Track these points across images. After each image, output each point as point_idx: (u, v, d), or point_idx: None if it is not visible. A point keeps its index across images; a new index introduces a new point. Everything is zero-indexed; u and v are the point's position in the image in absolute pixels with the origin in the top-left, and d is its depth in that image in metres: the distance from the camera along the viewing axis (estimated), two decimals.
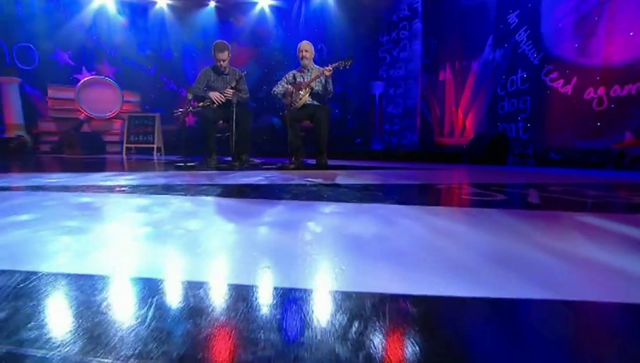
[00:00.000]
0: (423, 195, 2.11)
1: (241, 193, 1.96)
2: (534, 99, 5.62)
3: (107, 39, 8.90)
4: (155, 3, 8.90)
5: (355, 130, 8.01)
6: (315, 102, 4.14)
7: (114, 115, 7.23)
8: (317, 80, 4.06)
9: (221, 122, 4.27)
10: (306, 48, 4.12)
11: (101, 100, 7.14)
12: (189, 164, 3.47)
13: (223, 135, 4.28)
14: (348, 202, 1.66)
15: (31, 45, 8.41)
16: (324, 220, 1.27)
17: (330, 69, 3.81)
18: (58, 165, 4.24)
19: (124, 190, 1.97)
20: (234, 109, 3.74)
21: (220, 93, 4.08)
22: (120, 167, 3.97)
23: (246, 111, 4.12)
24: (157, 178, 2.62)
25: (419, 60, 7.53)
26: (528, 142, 5.65)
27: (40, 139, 7.41)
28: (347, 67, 3.81)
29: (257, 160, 4.66)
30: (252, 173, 3.17)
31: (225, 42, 4.14)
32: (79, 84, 7.13)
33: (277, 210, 1.43)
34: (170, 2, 8.89)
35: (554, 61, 5.39)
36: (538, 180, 2.89)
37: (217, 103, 4.04)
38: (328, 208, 1.51)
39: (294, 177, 2.75)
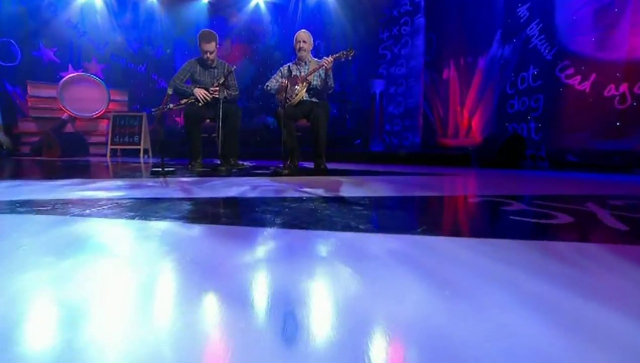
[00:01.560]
0: (462, 217, 1.57)
1: (212, 216, 1.40)
2: (548, 97, 5.10)
3: (95, 35, 8.31)
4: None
5: (354, 130, 7.47)
6: (314, 99, 3.60)
7: (99, 114, 6.65)
8: (315, 73, 3.52)
9: (208, 121, 3.72)
10: (304, 38, 3.58)
11: (85, 98, 6.56)
12: (167, 170, 2.91)
13: (210, 135, 3.73)
14: (364, 229, 1.12)
15: (12, 41, 7.81)
16: (331, 280, 0.73)
17: (331, 60, 3.26)
18: (19, 169, 3.66)
19: (50, 208, 1.42)
20: (221, 107, 3.19)
21: (207, 90, 3.53)
22: (87, 173, 3.40)
23: (235, 109, 3.56)
24: (118, 189, 2.06)
25: (421, 57, 7.01)
26: (541, 143, 5.13)
27: (20, 140, 6.81)
28: (350, 58, 3.27)
29: (248, 164, 4.10)
30: (239, 180, 2.61)
31: (212, 31, 3.58)
32: (61, 81, 6.54)
33: (251, 257, 0.88)
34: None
35: (570, 56, 4.87)
36: (585, 190, 2.36)
37: (202, 101, 3.49)
38: (335, 243, 0.97)
39: (288, 187, 2.20)
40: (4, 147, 5.89)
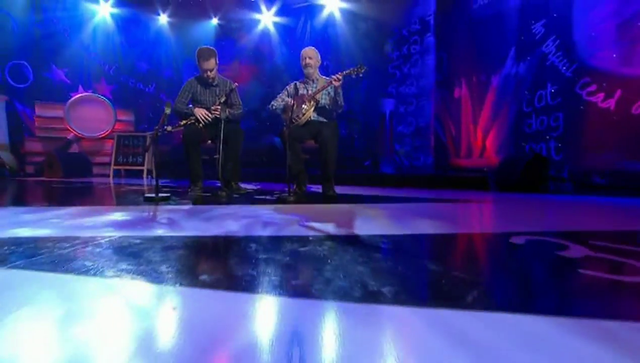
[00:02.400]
0: (516, 274, 1.22)
1: (184, 270, 1.08)
2: (568, 115, 4.76)
3: (105, 56, 8.25)
4: (156, 20, 8.27)
5: (363, 151, 7.16)
6: (322, 118, 3.31)
7: (105, 134, 6.46)
8: (324, 91, 3.24)
9: (209, 142, 3.44)
10: (309, 54, 3.32)
11: (91, 118, 6.39)
12: (162, 195, 2.61)
13: (211, 157, 3.44)
14: (390, 298, 0.78)
15: (25, 63, 7.78)
16: None
17: (340, 77, 2.98)
18: (6, 192, 3.40)
19: None
20: (222, 127, 2.91)
21: (208, 110, 3.27)
22: (75, 198, 3.12)
23: (236, 130, 3.28)
24: (94, 221, 1.76)
25: (431, 76, 6.74)
26: (563, 164, 4.75)
27: (26, 159, 6.64)
28: (360, 74, 2.99)
29: (252, 187, 3.80)
30: (238, 209, 2.30)
31: (210, 47, 3.35)
32: (68, 101, 6.39)
33: None
34: (170, 19, 8.25)
35: (591, 73, 4.54)
36: None
37: (202, 122, 3.22)
38: (352, 328, 0.64)
39: (292, 219, 1.87)
40: (7, 167, 5.69)
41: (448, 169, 6.62)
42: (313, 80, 3.37)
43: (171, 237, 1.43)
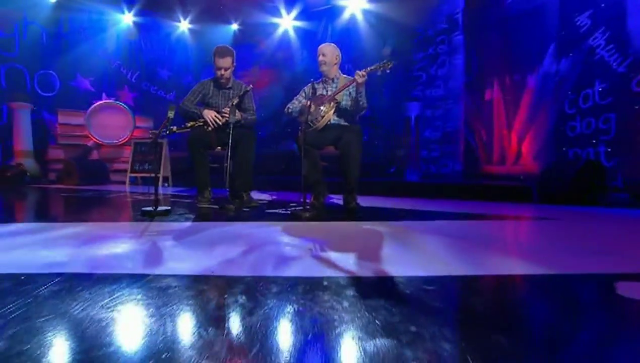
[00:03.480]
0: None
1: (127, 347, 0.67)
2: (621, 117, 4.13)
3: (127, 64, 8.18)
4: (177, 27, 8.12)
5: (386, 157, 6.68)
6: (342, 121, 2.88)
7: (124, 141, 6.28)
8: (345, 91, 2.83)
9: (219, 148, 3.08)
10: (323, 51, 2.90)
11: (111, 125, 6.22)
12: (161, 209, 2.25)
13: (221, 165, 3.09)
14: None
15: (52, 72, 7.78)
16: None
17: (364, 74, 2.55)
18: (10, 200, 3.14)
19: None
20: (231, 132, 2.54)
21: (219, 113, 2.91)
22: (76, 209, 2.82)
23: (249, 136, 2.90)
24: (65, 244, 1.40)
25: (460, 77, 6.20)
26: (615, 172, 4.12)
27: (49, 166, 6.55)
28: (388, 70, 2.55)
29: (266, 198, 3.42)
30: (243, 228, 1.90)
31: (228, 46, 3.00)
32: (89, 109, 6.25)
33: None
34: (191, 25, 8.07)
35: None
36: None
37: (212, 125, 2.87)
38: None
39: (304, 245, 1.45)
40: (28, 174, 5.56)
41: (479, 176, 6.04)
42: (333, 80, 2.95)
43: (142, 275, 1.04)
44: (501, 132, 5.85)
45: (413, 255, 1.33)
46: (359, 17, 7.29)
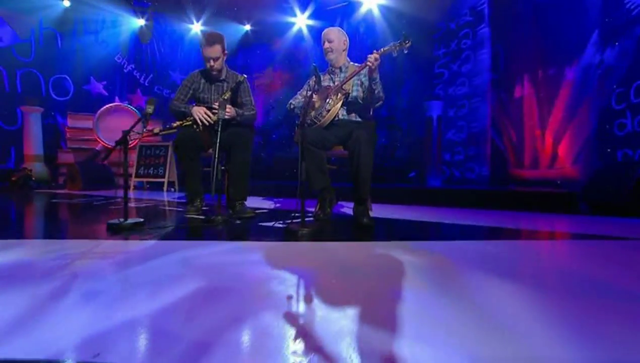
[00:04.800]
0: None
1: None
2: None
3: (141, 67, 7.97)
4: (189, 29, 7.85)
5: (407, 161, 6.13)
6: (354, 116, 2.39)
7: (132, 145, 5.99)
8: (355, 80, 2.34)
9: (211, 150, 2.65)
10: (329, 36, 2.43)
11: (119, 128, 5.92)
12: (130, 222, 1.83)
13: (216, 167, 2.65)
14: None
15: (67, 77, 7.65)
16: None
17: (377, 56, 2.06)
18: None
19: None
20: (219, 131, 2.09)
21: (210, 109, 2.48)
22: (47, 217, 2.44)
23: (244, 135, 2.44)
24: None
25: (486, 73, 5.60)
26: None
27: (59, 170, 6.35)
28: (405, 50, 2.05)
29: (269, 205, 2.96)
30: (223, 249, 1.44)
31: (216, 32, 2.57)
32: (98, 112, 6.01)
33: None
34: (204, 28, 7.78)
35: None
36: None
37: (202, 124, 2.44)
38: None
39: (293, 281, 0.97)
40: (33, 179, 5.33)
41: (508, 181, 5.40)
42: (341, 68, 2.47)
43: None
44: (533, 132, 5.20)
45: (453, 303, 0.83)
46: (376, 13, 6.78)
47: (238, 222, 2.16)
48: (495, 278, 1.06)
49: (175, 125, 2.47)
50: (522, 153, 5.35)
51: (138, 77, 7.93)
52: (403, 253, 1.37)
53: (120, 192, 4.88)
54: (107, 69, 7.83)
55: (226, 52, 2.61)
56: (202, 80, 2.66)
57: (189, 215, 2.39)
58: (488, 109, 5.52)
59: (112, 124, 5.95)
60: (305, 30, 7.57)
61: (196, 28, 7.80)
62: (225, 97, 2.45)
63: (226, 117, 2.31)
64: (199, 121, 2.42)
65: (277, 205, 3.22)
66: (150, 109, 2.10)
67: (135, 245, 1.49)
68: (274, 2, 7.18)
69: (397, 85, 6.74)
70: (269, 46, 7.86)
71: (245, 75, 2.55)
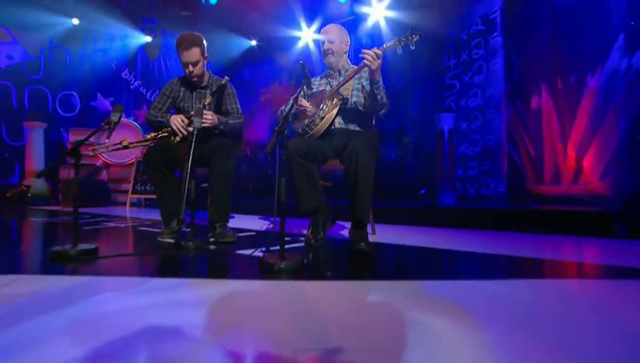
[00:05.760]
0: None
1: None
2: None
3: (147, 84, 7.87)
4: None
5: (417, 177, 5.73)
6: (352, 126, 2.05)
7: (133, 160, 5.77)
8: (354, 84, 2.01)
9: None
10: (330, 35, 2.11)
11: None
12: (78, 250, 1.50)
13: (199, 184, 2.33)
14: None
15: (74, 93, 7.58)
16: None
17: (379, 52, 1.73)
18: None
19: None
20: (193, 141, 1.77)
21: (189, 117, 2.17)
22: (15, 248, 2.14)
23: (226, 147, 2.11)
24: None
25: (500, 84, 5.21)
26: None
27: (59, 186, 6.16)
28: (412, 44, 1.71)
29: (262, 225, 2.61)
30: (177, 294, 1.09)
31: (194, 33, 2.28)
32: (152, 135, 5.83)
33: None
34: (209, 43, 7.63)
35: None
36: None
37: (180, 135, 2.13)
38: None
39: None
40: (29, 194, 5.12)
41: (527, 198, 4.94)
42: (340, 72, 2.15)
43: None
44: (553, 145, 4.76)
45: None
46: (383, 25, 6.52)
47: (213, 247, 1.80)
48: (527, 341, 0.68)
49: (150, 136, 2.17)
50: (542, 168, 4.90)
51: (145, 93, 7.82)
52: (404, 303, 0.99)
53: (117, 209, 4.62)
54: (114, 85, 7.75)
55: (207, 55, 2.32)
56: (182, 88, 2.36)
57: (162, 239, 2.05)
58: (503, 121, 5.11)
59: (113, 140, 5.74)
60: (311, 45, 7.36)
61: None
62: (206, 103, 2.14)
63: (205, 125, 2.00)
64: (177, 131, 2.11)
65: (270, 226, 2.86)
66: (115, 117, 1.80)
67: (54, 283, 1.15)
68: (280, 17, 7.02)
69: (407, 97, 6.41)
70: (276, 61, 7.67)
71: (228, 78, 2.25)
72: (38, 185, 5.83)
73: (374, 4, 6.35)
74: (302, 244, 1.86)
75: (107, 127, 1.81)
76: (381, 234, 2.29)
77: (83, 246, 1.57)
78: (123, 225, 2.84)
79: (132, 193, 4.82)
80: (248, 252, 1.66)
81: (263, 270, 1.30)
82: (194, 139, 1.79)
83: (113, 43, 7.73)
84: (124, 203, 5.37)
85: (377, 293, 1.10)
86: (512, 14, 5.18)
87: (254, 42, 7.66)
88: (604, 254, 1.87)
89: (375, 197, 4.84)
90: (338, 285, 1.19)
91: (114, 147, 2.19)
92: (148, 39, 7.58)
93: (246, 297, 1.04)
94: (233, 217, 3.67)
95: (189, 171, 1.72)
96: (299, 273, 1.27)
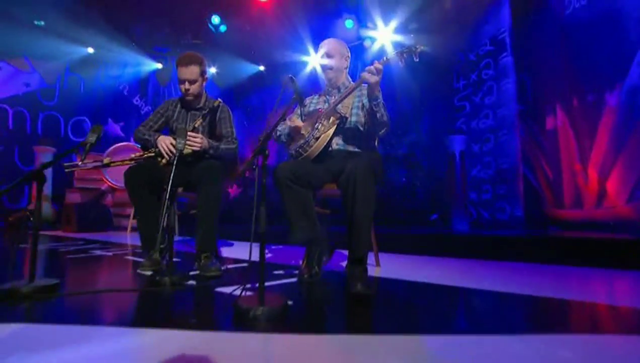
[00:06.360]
0: None
1: None
2: None
3: (156, 107, 7.93)
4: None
5: (428, 202, 5.46)
6: (351, 147, 1.85)
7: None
8: (354, 102, 1.83)
9: (181, 189, 2.16)
10: (329, 50, 1.98)
11: (125, 168, 5.68)
12: (34, 286, 1.30)
13: (185, 212, 2.15)
14: None
15: (86, 119, 7.68)
16: None
17: (380, 66, 1.55)
18: None
19: None
20: (174, 164, 1.60)
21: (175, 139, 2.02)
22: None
23: (214, 170, 1.92)
24: None
25: (513, 104, 5.00)
26: None
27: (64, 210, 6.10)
28: (415, 56, 1.53)
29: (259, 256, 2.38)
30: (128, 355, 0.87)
31: (197, 53, 2.16)
32: (106, 151, 5.80)
33: None
34: (219, 70, 7.72)
35: None
36: None
37: (166, 157, 1.96)
38: None
39: None
40: (30, 219, 5.02)
41: (546, 223, 4.60)
42: (339, 89, 1.98)
43: None
44: (572, 166, 4.46)
45: None
46: (389, 50, 6.45)
47: (192, 283, 1.58)
48: None
49: (134, 156, 2.01)
50: (561, 190, 4.58)
51: None
52: None
53: (118, 235, 4.46)
54: (125, 111, 7.84)
55: (206, 76, 2.19)
56: (178, 108, 2.23)
57: (142, 271, 1.85)
58: (517, 143, 4.85)
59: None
60: (319, 69, 7.32)
61: (212, 70, 7.75)
62: (196, 125, 1.99)
63: (192, 149, 1.84)
64: (163, 153, 1.95)
65: (269, 255, 2.63)
66: (92, 138, 1.64)
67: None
68: (287, 42, 7.05)
69: (416, 120, 6.24)
70: (282, 87, 7.65)
71: (221, 100, 2.10)
72: (44, 209, 5.77)
73: (381, 28, 6.31)
74: (294, 279, 1.63)
75: (82, 148, 1.65)
76: (386, 266, 2.03)
77: (42, 282, 1.37)
78: (110, 253, 2.66)
79: (134, 218, 4.68)
80: (230, 289, 1.43)
81: (236, 317, 1.07)
82: (174, 162, 1.61)
83: (125, 70, 7.88)
84: (125, 229, 5.24)
85: (372, 355, 0.86)
86: (521, 33, 5.03)
87: (262, 68, 7.69)
88: None
89: (382, 224, 4.53)
90: (323, 342, 0.95)
91: (92, 165, 2.03)
92: (159, 66, 7.70)
93: (202, 359, 0.81)
94: (232, 245, 3.46)
95: (167, 196, 1.53)
96: (278, 322, 1.04)
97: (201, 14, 6.88)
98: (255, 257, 1.11)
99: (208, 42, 7.24)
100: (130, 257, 2.44)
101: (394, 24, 6.17)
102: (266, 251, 2.80)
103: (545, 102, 4.78)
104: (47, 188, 6.05)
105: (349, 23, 6.76)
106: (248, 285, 1.37)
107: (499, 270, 2.08)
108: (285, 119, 1.58)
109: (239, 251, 2.75)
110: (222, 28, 7.05)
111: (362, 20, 6.62)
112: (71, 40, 7.08)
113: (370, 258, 2.00)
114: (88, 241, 3.47)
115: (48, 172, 6.07)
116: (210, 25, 7.03)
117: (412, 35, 6.10)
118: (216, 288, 1.47)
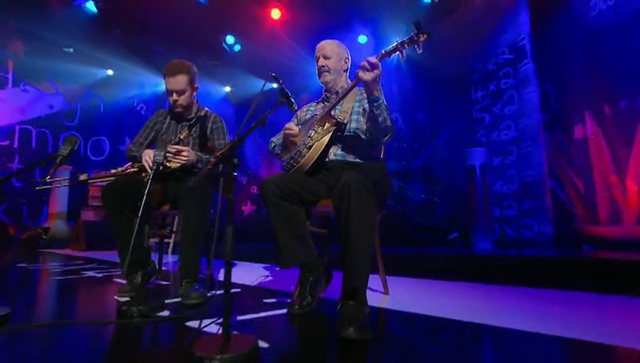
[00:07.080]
0: None
1: None
2: None
3: None
4: (220, 91, 7.86)
5: (447, 219, 5.11)
6: (351, 157, 1.61)
7: None
8: (355, 105, 1.61)
9: (167, 207, 1.98)
10: (325, 51, 1.76)
11: None
12: None
13: (168, 231, 1.96)
14: None
15: (104, 138, 7.82)
16: None
17: (374, 60, 1.32)
18: None
19: None
20: (150, 181, 1.41)
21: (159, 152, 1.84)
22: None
23: (199, 190, 1.72)
24: None
25: (536, 114, 4.67)
26: None
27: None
28: (419, 47, 1.30)
29: (254, 279, 2.15)
30: None
31: (185, 62, 2.01)
32: (119, 169, 5.79)
33: None
34: (232, 89, 7.74)
35: None
36: None
37: (148, 171, 1.79)
38: None
39: None
40: (44, 237, 5.01)
41: (580, 241, 4.16)
42: (338, 93, 1.77)
43: None
44: (607, 178, 4.05)
45: None
46: (403, 64, 6.26)
47: (165, 314, 1.36)
48: None
49: (115, 171, 1.85)
50: (595, 205, 4.15)
51: None
52: None
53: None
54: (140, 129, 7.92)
55: (196, 85, 2.04)
56: (167, 120, 2.08)
57: (119, 297, 1.65)
58: (543, 155, 4.49)
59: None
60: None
61: (226, 89, 7.78)
62: (181, 137, 1.82)
63: (182, 162, 1.66)
64: (146, 167, 1.78)
65: (270, 278, 2.39)
66: (65, 151, 1.49)
67: None
68: (300, 59, 6.98)
69: (433, 133, 5.96)
70: (288, 105, 7.56)
71: (207, 108, 1.93)
72: (59, 227, 5.77)
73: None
74: (284, 310, 1.38)
75: (53, 162, 1.50)
76: (397, 294, 1.75)
77: None
78: (101, 275, 2.48)
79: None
80: (206, 322, 1.20)
81: (198, 359, 0.83)
82: (151, 176, 1.42)
83: (143, 90, 8.02)
84: None
85: None
86: (542, 39, 4.73)
87: (275, 85, 7.63)
88: None
89: (394, 243, 4.13)
90: None
91: (66, 182, 1.88)
92: None
93: None
94: (235, 265, 3.24)
95: (140, 214, 1.34)
96: None
97: (216, 34, 6.95)
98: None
99: (224, 61, 7.29)
100: (119, 280, 2.26)
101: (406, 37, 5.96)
102: (266, 273, 2.57)
103: (572, 110, 4.42)
104: (63, 206, 6.08)
105: (362, 39, 6.64)
106: (207, 322, 1.13)
107: (528, 298, 1.76)
108: (264, 124, 1.37)
109: (247, 273, 2.53)
110: (236, 47, 7.08)
111: (376, 35, 6.49)
112: (93, 63, 7.30)
113: (377, 283, 1.73)
114: (88, 260, 3.34)
115: (64, 192, 6.11)
116: (224, 45, 7.08)
117: (425, 49, 5.89)
118: (188, 322, 1.24)
